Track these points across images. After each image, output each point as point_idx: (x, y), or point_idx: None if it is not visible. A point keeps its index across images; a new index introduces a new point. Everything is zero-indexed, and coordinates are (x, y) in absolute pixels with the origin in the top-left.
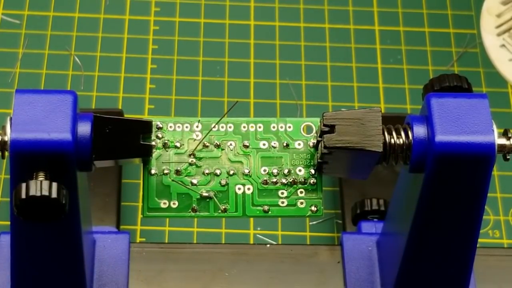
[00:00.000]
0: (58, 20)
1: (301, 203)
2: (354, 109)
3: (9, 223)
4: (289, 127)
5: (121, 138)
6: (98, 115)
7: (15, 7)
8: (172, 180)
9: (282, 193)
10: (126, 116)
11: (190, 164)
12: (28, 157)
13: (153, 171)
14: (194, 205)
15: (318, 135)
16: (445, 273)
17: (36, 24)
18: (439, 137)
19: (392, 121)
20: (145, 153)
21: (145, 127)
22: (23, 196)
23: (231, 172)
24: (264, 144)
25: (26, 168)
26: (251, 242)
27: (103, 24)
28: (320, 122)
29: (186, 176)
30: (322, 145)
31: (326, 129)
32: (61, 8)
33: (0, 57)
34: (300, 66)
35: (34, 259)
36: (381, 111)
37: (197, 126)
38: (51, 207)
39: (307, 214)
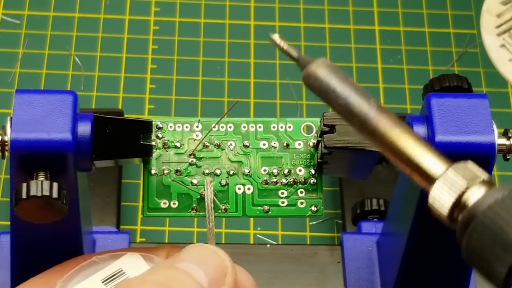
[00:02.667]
0: (58, 20)
1: (301, 203)
2: None
3: (9, 223)
4: (289, 127)
5: (121, 138)
6: (98, 115)
7: (15, 7)
8: (172, 180)
9: (282, 193)
10: (126, 116)
11: (190, 164)
12: (28, 157)
13: (153, 171)
14: (194, 205)
15: (318, 135)
16: (445, 273)
17: (36, 24)
18: (439, 137)
19: None
20: (145, 153)
21: (145, 127)
22: (24, 196)
23: (231, 172)
24: (264, 144)
25: (26, 168)
26: (251, 242)
27: (103, 24)
28: (320, 122)
29: (186, 176)
30: (322, 145)
31: (326, 129)
32: (61, 8)
33: (0, 57)
34: None
35: (34, 259)
36: None
37: (197, 126)
38: (51, 207)
39: (307, 214)
